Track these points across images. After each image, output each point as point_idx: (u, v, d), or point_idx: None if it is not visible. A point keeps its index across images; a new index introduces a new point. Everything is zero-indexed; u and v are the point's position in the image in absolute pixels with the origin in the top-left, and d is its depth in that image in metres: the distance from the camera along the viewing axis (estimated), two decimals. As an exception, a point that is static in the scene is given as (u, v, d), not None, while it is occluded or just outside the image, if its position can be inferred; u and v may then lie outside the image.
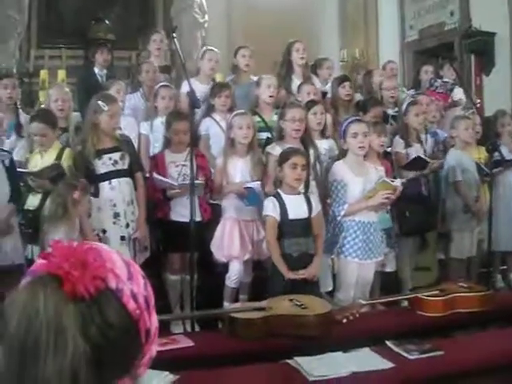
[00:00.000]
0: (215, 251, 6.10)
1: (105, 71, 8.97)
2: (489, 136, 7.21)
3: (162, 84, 7.31)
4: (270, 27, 12.90)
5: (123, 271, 1.29)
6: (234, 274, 6.12)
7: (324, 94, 8.11)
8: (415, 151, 6.99)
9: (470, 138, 7.14)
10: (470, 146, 7.23)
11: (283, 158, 5.62)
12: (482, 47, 11.47)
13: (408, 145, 7.01)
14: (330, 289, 6.10)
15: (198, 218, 5.72)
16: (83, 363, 1.16)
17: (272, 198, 5.58)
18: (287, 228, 5.51)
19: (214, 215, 6.34)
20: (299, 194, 5.65)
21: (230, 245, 6.04)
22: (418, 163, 6.83)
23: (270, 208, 5.52)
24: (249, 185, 5.98)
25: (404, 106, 7.25)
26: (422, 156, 6.87)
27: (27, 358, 1.17)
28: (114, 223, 5.87)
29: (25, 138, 6.68)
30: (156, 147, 6.68)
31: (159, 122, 6.80)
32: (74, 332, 1.17)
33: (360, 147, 5.90)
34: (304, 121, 6.20)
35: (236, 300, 6.14)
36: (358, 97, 8.42)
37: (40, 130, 6.08)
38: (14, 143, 6.74)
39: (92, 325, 1.19)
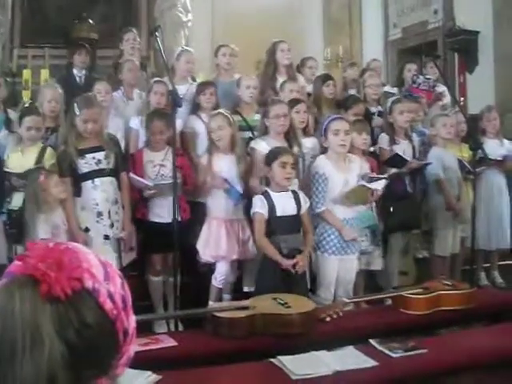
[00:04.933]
0: (202, 251, 6.09)
1: (83, 72, 8.90)
2: (474, 134, 7.23)
3: (156, 79, 7.30)
4: (254, 26, 12.94)
5: (100, 271, 1.28)
6: (221, 275, 6.12)
7: (308, 94, 8.10)
8: (402, 148, 6.98)
9: (448, 134, 7.14)
10: (452, 143, 7.25)
11: (272, 157, 5.62)
12: (465, 46, 11.55)
13: (394, 142, 7.00)
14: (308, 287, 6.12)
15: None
16: (60, 364, 1.16)
17: (260, 195, 5.60)
18: (275, 225, 5.53)
19: (198, 214, 6.32)
20: (287, 191, 5.66)
21: (217, 245, 6.04)
22: (396, 160, 6.83)
23: (259, 205, 5.53)
24: (229, 180, 5.99)
25: (388, 105, 7.26)
26: (401, 154, 6.85)
27: (3, 360, 1.16)
28: (97, 222, 5.85)
29: (14, 134, 6.65)
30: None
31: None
32: (50, 333, 1.16)
33: (341, 145, 5.91)
34: (288, 116, 6.22)
35: (220, 299, 6.14)
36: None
37: (36, 122, 6.12)
38: (5, 138, 6.69)
39: (69, 325, 1.18)
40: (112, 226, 5.89)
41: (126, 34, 8.70)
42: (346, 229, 5.86)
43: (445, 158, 7.02)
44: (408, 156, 6.97)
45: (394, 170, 6.82)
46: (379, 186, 6.03)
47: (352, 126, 6.30)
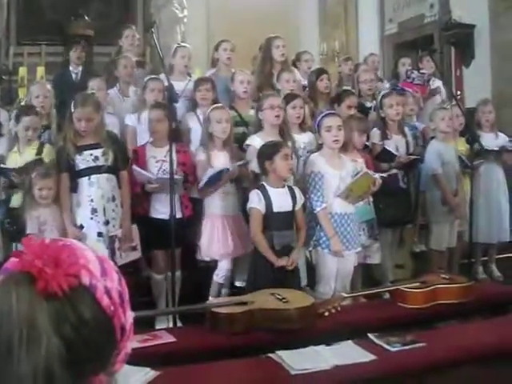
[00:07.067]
0: (203, 250, 6.10)
1: (80, 68, 8.93)
2: (470, 127, 7.23)
3: (151, 77, 7.27)
4: (249, 21, 12.93)
5: (96, 267, 1.28)
6: (223, 271, 6.15)
7: (304, 87, 8.09)
8: (394, 143, 6.98)
9: (447, 127, 7.11)
10: (450, 137, 7.23)
11: (273, 150, 5.59)
12: (461, 39, 11.53)
13: (386, 137, 6.99)
14: (305, 283, 6.11)
15: (178, 215, 5.70)
16: (57, 360, 1.15)
17: (257, 190, 5.59)
18: (271, 221, 5.53)
19: (199, 211, 6.31)
20: (284, 186, 5.66)
21: (217, 243, 6.05)
22: (385, 156, 6.82)
23: (256, 201, 5.53)
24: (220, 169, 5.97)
25: (378, 99, 7.25)
26: (389, 149, 6.83)
27: (0, 357, 1.15)
28: (91, 219, 5.83)
29: (5, 136, 6.63)
30: (144, 138, 6.57)
31: (147, 114, 6.70)
32: (47, 329, 1.16)
33: (334, 141, 5.89)
34: (282, 107, 6.22)
35: (219, 294, 6.15)
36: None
37: (34, 122, 6.14)
38: None
39: (66, 322, 1.18)
40: (107, 223, 5.86)
41: (125, 31, 8.70)
42: (335, 240, 5.81)
43: (444, 153, 7.00)
44: (402, 151, 6.96)
45: (394, 170, 6.79)
46: (377, 176, 6.05)
47: (355, 124, 6.33)
